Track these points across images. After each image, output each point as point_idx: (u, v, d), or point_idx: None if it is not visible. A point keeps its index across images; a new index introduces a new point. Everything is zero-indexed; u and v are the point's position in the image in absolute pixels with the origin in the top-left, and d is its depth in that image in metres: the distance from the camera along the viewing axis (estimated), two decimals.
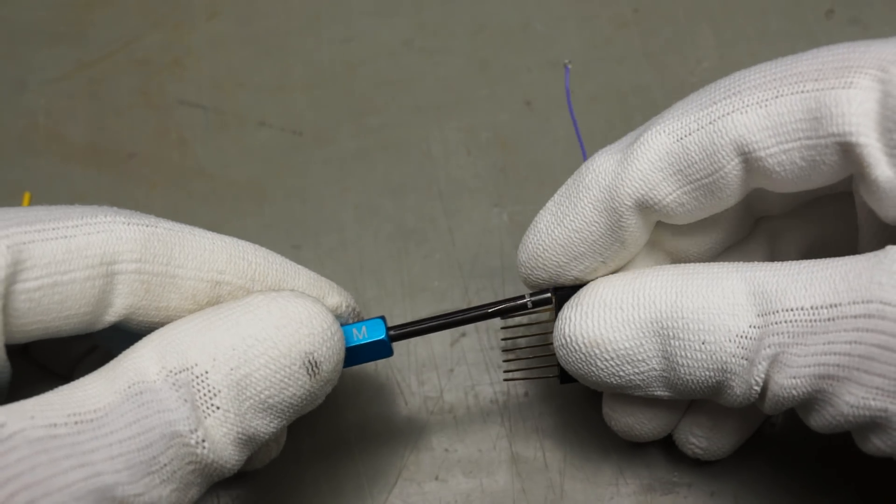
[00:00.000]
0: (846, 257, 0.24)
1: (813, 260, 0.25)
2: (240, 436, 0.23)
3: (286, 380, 0.24)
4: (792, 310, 0.24)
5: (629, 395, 0.28)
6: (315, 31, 0.43)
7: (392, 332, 0.28)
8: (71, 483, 0.20)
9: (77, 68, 0.42)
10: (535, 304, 0.28)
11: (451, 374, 0.34)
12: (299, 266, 0.28)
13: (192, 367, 0.23)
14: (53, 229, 0.24)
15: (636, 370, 0.26)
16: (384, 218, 0.38)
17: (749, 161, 0.25)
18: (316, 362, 0.24)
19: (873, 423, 0.24)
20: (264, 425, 0.24)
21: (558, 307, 0.28)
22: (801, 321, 0.24)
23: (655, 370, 0.26)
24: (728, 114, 0.25)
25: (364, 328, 0.28)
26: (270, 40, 0.43)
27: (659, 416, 0.29)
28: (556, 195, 0.28)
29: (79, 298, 0.24)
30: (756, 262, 0.26)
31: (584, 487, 0.32)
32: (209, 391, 0.23)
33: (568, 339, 0.27)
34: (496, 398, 0.34)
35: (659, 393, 0.27)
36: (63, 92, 0.42)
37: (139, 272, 0.25)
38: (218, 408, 0.23)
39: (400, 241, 0.37)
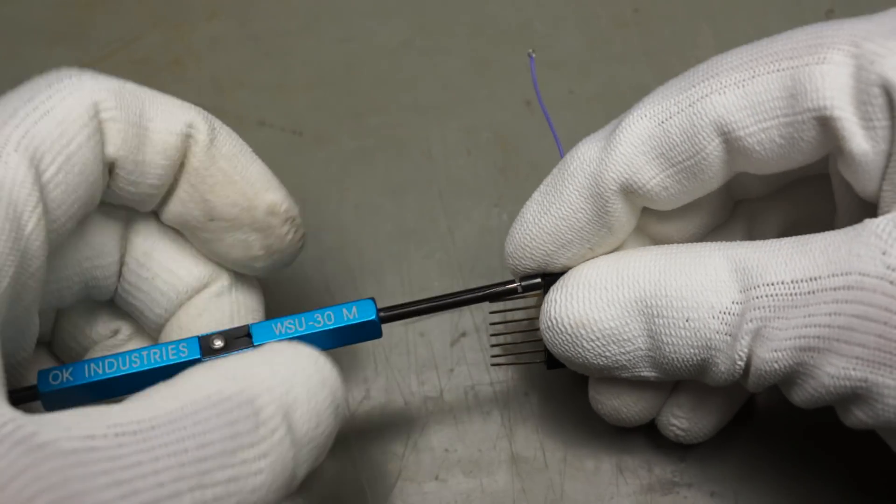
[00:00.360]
0: (826, 233, 0.24)
1: (794, 237, 0.25)
2: (288, 467, 0.22)
3: (326, 416, 0.23)
4: (773, 284, 0.24)
5: (616, 377, 0.28)
6: (315, 31, 0.43)
7: (382, 314, 0.28)
8: (106, 502, 0.18)
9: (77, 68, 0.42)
10: (525, 289, 0.29)
11: (451, 374, 0.34)
12: (255, 157, 0.28)
13: (251, 400, 0.21)
14: (35, 109, 0.24)
15: (622, 350, 0.26)
16: (384, 218, 0.38)
17: (729, 141, 0.25)
18: (338, 404, 0.24)
19: (854, 395, 0.24)
20: (304, 462, 0.23)
21: (546, 292, 0.28)
22: (781, 295, 0.24)
23: (641, 349, 0.26)
24: (707, 95, 0.25)
25: (354, 308, 0.28)
26: (270, 40, 0.43)
27: (644, 398, 0.29)
28: (541, 185, 0.28)
29: (92, 160, 0.24)
30: (738, 241, 0.26)
31: (584, 487, 0.32)
32: (264, 420, 0.21)
33: (554, 321, 0.27)
34: (496, 398, 0.34)
35: (646, 373, 0.27)
36: None
37: (114, 120, 0.25)
38: (270, 437, 0.21)
39: (400, 241, 0.37)
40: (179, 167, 0.27)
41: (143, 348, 0.26)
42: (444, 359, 0.35)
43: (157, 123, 0.26)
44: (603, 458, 0.33)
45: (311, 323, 0.27)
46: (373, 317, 0.28)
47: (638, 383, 0.29)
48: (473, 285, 0.36)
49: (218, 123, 0.28)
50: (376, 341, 0.29)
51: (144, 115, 0.26)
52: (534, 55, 0.31)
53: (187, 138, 0.26)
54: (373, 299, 0.28)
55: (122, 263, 0.28)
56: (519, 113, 0.40)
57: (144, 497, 0.18)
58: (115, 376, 0.26)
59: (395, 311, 0.28)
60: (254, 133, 0.40)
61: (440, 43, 0.43)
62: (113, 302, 0.29)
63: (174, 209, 0.27)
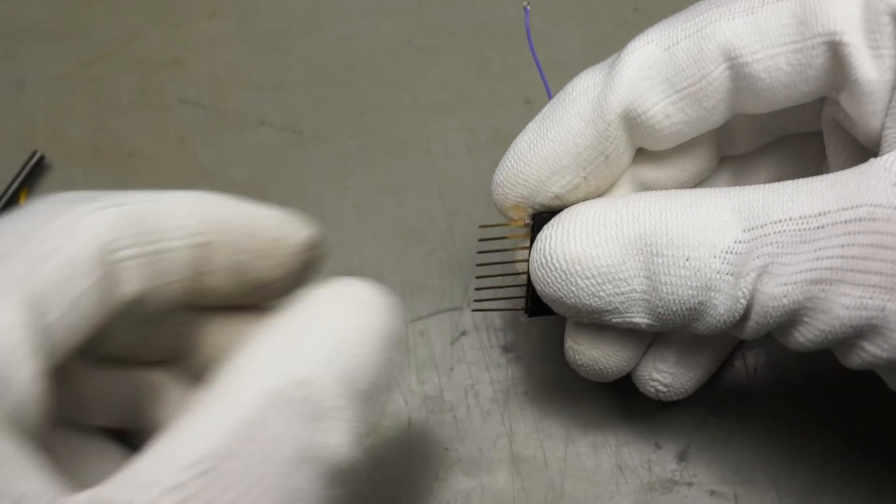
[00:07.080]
0: (828, 174, 0.24)
1: (795, 180, 0.25)
2: (360, 430, 0.21)
3: (386, 362, 0.21)
4: (780, 221, 0.24)
5: (604, 322, 0.27)
6: (315, 30, 0.43)
7: None
8: None
9: (77, 67, 0.42)
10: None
11: (451, 373, 0.34)
12: (262, 206, 0.26)
13: (304, 382, 0.20)
14: (36, 250, 0.21)
15: (617, 290, 0.26)
16: (384, 216, 0.38)
17: (735, 67, 0.25)
18: (397, 341, 0.22)
19: (869, 326, 0.23)
20: (375, 413, 0.22)
21: (534, 235, 0.27)
22: (790, 231, 0.24)
23: (637, 291, 0.26)
24: (715, 21, 0.25)
25: None
26: (270, 39, 0.43)
27: (626, 347, 0.29)
28: (537, 116, 0.28)
29: (97, 308, 0.22)
30: (738, 186, 0.26)
31: (584, 487, 0.32)
32: (329, 396, 0.20)
33: (548, 258, 0.26)
34: (496, 398, 0.34)
35: (637, 319, 0.26)
36: (63, 91, 0.42)
37: (133, 257, 0.22)
38: (341, 410, 0.20)
39: (400, 240, 0.37)
40: None
41: None
42: (444, 358, 0.35)
43: (172, 243, 0.23)
44: (603, 457, 0.33)
45: None
46: None
47: (619, 332, 0.28)
48: (473, 284, 0.36)
49: (223, 208, 0.24)
50: None
51: (156, 237, 0.22)
52: (528, 7, 0.31)
53: (204, 246, 0.23)
54: None
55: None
56: (519, 112, 0.40)
57: None
58: None
59: None
60: (254, 132, 0.40)
61: (440, 42, 0.43)
62: None
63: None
